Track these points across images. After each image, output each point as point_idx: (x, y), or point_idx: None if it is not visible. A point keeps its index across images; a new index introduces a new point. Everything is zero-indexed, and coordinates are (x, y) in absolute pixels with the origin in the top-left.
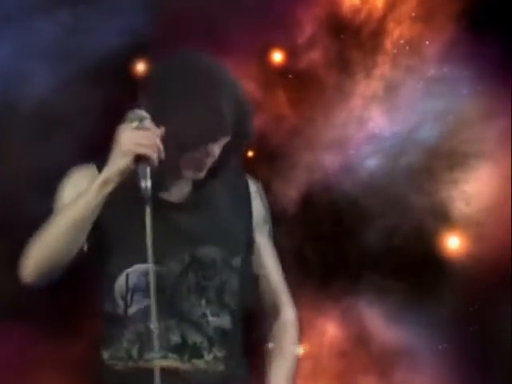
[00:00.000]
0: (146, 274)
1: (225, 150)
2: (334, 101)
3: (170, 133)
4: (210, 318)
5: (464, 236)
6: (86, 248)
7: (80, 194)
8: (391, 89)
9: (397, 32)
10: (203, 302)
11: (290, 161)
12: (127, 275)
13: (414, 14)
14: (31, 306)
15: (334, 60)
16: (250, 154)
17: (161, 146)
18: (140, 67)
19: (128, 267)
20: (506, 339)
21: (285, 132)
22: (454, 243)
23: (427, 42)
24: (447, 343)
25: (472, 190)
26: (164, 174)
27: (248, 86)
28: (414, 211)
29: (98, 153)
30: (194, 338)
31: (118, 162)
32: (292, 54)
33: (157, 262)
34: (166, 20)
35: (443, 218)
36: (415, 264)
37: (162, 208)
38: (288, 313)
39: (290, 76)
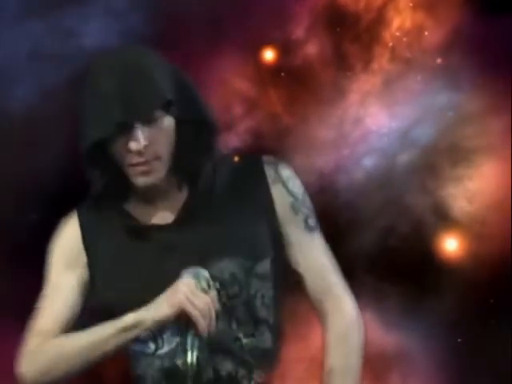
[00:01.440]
0: None
1: (188, 149)
2: (331, 97)
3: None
4: (244, 341)
5: (467, 236)
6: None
7: (103, 326)
8: (389, 83)
9: (396, 23)
10: (233, 324)
11: (284, 161)
12: None
13: (411, 5)
14: (31, 306)
15: (330, 55)
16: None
17: (214, 318)
18: None
19: None
20: (506, 341)
21: (279, 131)
22: (455, 244)
23: (426, 33)
24: (445, 347)
25: (475, 187)
26: (136, 194)
27: (241, 84)
28: (413, 211)
29: None
30: (228, 367)
31: (160, 309)
32: (286, 50)
33: None
34: (160, 19)
35: (444, 217)
36: (415, 266)
37: (152, 234)
38: (345, 316)
39: (282, 74)
